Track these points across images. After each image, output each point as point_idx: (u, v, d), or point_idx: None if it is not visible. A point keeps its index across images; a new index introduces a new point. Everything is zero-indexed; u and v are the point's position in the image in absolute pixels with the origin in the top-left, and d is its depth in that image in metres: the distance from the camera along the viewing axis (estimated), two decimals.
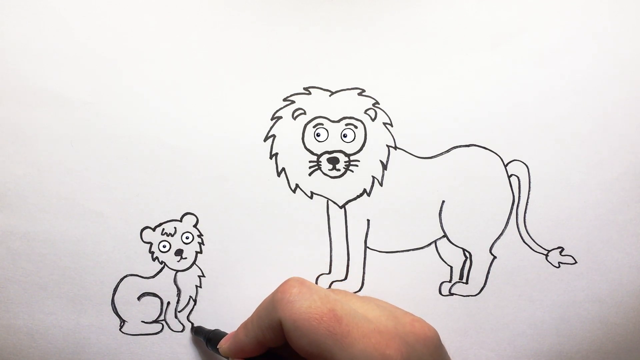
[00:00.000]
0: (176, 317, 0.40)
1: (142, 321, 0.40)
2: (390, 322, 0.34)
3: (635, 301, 0.42)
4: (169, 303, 0.40)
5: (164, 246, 0.41)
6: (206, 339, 0.38)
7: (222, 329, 0.39)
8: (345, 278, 0.41)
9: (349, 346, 0.31)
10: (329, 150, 0.42)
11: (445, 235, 0.42)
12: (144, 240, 0.40)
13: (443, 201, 0.42)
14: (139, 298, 0.40)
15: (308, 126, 0.42)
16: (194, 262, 0.41)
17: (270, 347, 0.35)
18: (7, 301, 0.39)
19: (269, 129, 0.42)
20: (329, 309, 0.32)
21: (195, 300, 0.41)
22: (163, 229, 0.41)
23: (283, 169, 0.42)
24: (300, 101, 0.42)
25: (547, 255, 0.42)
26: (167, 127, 0.41)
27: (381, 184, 0.42)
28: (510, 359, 0.41)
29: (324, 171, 0.42)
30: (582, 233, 0.42)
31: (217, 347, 0.37)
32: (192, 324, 0.40)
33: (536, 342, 0.41)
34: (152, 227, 0.41)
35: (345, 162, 0.42)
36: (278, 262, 0.41)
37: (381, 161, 0.42)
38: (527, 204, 0.42)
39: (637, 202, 0.42)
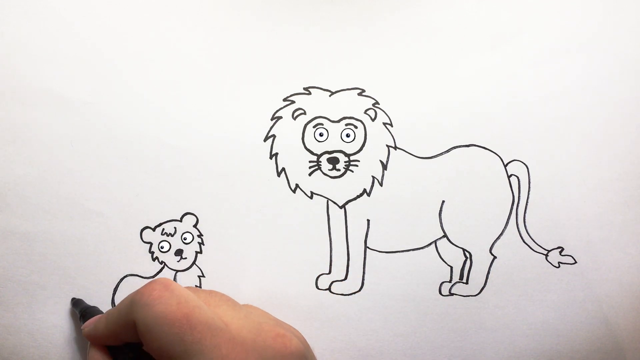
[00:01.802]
0: None
1: None
2: (251, 335, 0.33)
3: (635, 301, 0.42)
4: None
5: (164, 246, 0.41)
6: (81, 314, 0.38)
7: None
8: (345, 278, 0.41)
9: (198, 353, 0.30)
10: (329, 150, 0.42)
11: (445, 235, 0.42)
12: (144, 240, 0.40)
13: (443, 201, 0.42)
14: None
15: (308, 126, 0.42)
16: (194, 262, 0.41)
17: (128, 342, 0.34)
18: (7, 301, 0.39)
19: (269, 129, 0.42)
20: (183, 314, 0.31)
21: None
22: (163, 229, 0.41)
23: (283, 169, 0.42)
24: (300, 101, 0.42)
25: (547, 255, 0.42)
26: (167, 127, 0.41)
27: (381, 184, 0.42)
28: (510, 359, 0.41)
29: (324, 171, 0.42)
30: (582, 233, 0.42)
31: (82, 327, 0.36)
32: (74, 297, 0.40)
33: (536, 342, 0.41)
34: (152, 227, 0.41)
35: (345, 162, 0.42)
36: (278, 262, 0.41)
37: (381, 161, 0.42)
38: (527, 204, 0.42)
39: (637, 202, 0.42)
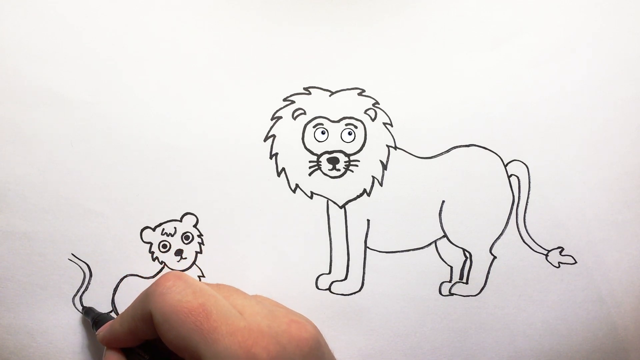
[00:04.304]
0: None
1: None
2: (266, 321, 0.33)
3: (635, 301, 0.42)
4: None
5: (164, 246, 0.41)
6: (93, 322, 0.38)
7: None
8: (346, 278, 0.41)
9: (214, 342, 0.30)
10: (329, 150, 0.42)
11: (445, 235, 0.42)
12: (144, 240, 0.40)
13: (443, 201, 0.42)
14: None
15: (308, 126, 0.42)
16: (194, 262, 0.41)
17: (144, 338, 0.35)
18: (7, 301, 0.39)
19: (269, 129, 0.42)
20: (199, 304, 0.32)
21: None
22: (163, 229, 0.41)
23: (283, 169, 0.42)
24: (300, 101, 0.42)
25: (547, 255, 0.42)
26: (167, 127, 0.41)
27: (381, 184, 0.42)
28: (510, 359, 0.41)
29: (324, 171, 0.42)
30: (582, 233, 0.42)
31: (96, 333, 0.37)
32: (83, 305, 0.40)
33: (536, 342, 0.41)
34: (152, 227, 0.41)
35: (345, 162, 0.42)
36: (278, 262, 0.41)
37: (381, 161, 0.42)
38: (527, 204, 0.42)
39: (637, 202, 0.42)
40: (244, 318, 0.32)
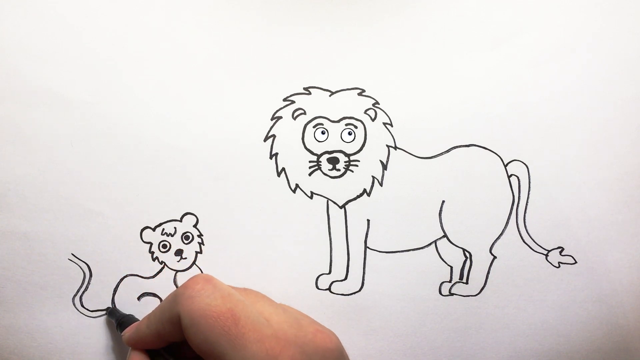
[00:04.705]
0: None
1: None
2: (292, 329, 0.33)
3: (635, 301, 0.42)
4: None
5: (164, 246, 0.41)
6: (117, 323, 0.38)
7: None
8: (346, 278, 0.41)
9: (242, 348, 0.30)
10: (329, 150, 0.42)
11: (445, 235, 0.42)
12: (144, 240, 0.40)
13: (443, 201, 0.42)
14: (139, 298, 0.40)
15: (308, 126, 0.42)
16: (194, 262, 0.41)
17: (170, 341, 0.34)
18: (7, 301, 0.39)
19: (269, 129, 0.42)
20: (228, 308, 0.32)
21: None
22: (163, 229, 0.41)
23: (283, 169, 0.42)
24: (300, 101, 0.42)
25: (547, 255, 0.42)
26: (167, 127, 0.41)
27: (381, 184, 0.42)
28: (510, 359, 0.41)
29: (324, 171, 0.42)
30: (582, 233, 0.42)
31: (122, 334, 0.37)
32: (110, 307, 0.40)
33: (536, 342, 0.41)
34: (152, 227, 0.41)
35: (345, 162, 0.42)
36: (278, 262, 0.41)
37: (381, 161, 0.42)
38: (527, 204, 0.42)
39: (637, 202, 0.42)
40: (271, 325, 0.33)
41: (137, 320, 0.38)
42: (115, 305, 0.40)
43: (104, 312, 0.40)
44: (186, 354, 0.35)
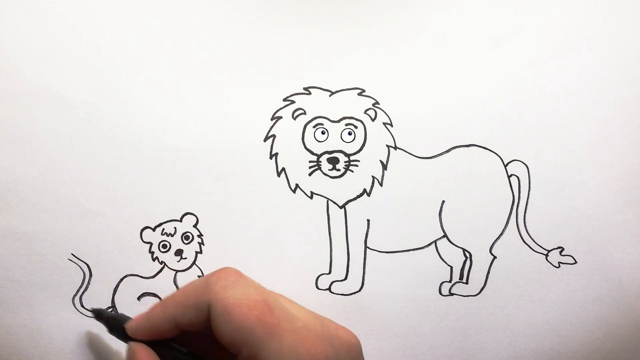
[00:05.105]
0: None
1: None
2: (318, 324, 0.34)
3: (635, 301, 0.42)
4: None
5: (164, 246, 0.41)
6: (109, 325, 0.36)
7: None
8: (346, 278, 0.41)
9: (279, 337, 0.31)
10: (329, 150, 0.42)
11: (445, 235, 0.42)
12: (144, 240, 0.40)
13: (443, 201, 0.42)
14: (139, 298, 0.40)
15: (308, 126, 0.42)
16: (194, 262, 0.41)
17: (185, 329, 0.33)
18: (7, 301, 0.39)
19: (269, 129, 0.42)
20: (263, 299, 0.32)
21: None
22: (163, 229, 0.41)
23: (283, 169, 0.42)
24: (300, 101, 0.42)
25: (547, 255, 0.42)
26: (167, 127, 0.41)
27: (381, 184, 0.42)
28: (510, 359, 0.41)
29: (324, 171, 0.42)
30: (582, 233, 0.42)
31: (125, 325, 0.34)
32: (93, 309, 0.37)
33: (536, 342, 0.41)
34: (152, 227, 0.41)
35: (345, 162, 0.42)
36: (278, 262, 0.41)
37: (381, 161, 0.42)
38: (527, 204, 0.42)
39: (637, 202, 0.42)
40: (300, 319, 0.33)
41: (128, 318, 0.36)
42: (115, 305, 0.40)
43: (92, 316, 0.37)
44: (193, 346, 0.35)
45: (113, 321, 0.36)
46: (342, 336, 0.34)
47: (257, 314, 0.31)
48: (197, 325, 0.33)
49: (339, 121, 0.42)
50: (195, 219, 0.41)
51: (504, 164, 0.42)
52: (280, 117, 0.42)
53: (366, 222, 0.42)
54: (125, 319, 0.36)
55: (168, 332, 0.34)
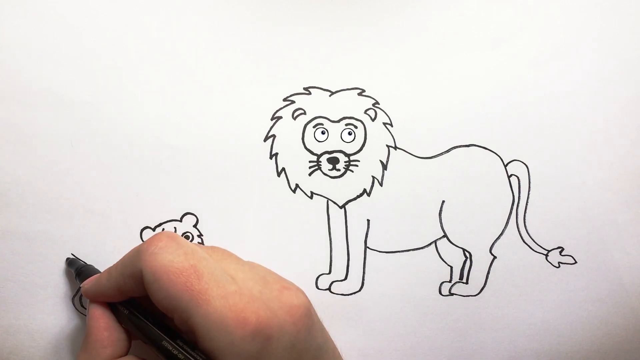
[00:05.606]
0: None
1: None
2: (258, 286, 0.33)
3: (635, 301, 0.42)
4: None
5: None
6: (76, 272, 0.38)
7: None
8: (345, 278, 0.41)
9: (205, 303, 0.30)
10: (329, 150, 0.42)
11: (445, 235, 0.42)
12: (144, 240, 0.40)
13: (443, 201, 0.42)
14: None
15: (308, 126, 0.42)
16: None
17: (130, 295, 0.34)
18: (7, 301, 0.39)
19: (269, 129, 0.42)
20: (190, 265, 0.31)
21: None
22: (163, 229, 0.41)
23: (283, 169, 0.42)
24: (300, 101, 0.42)
25: (547, 255, 0.42)
26: (167, 127, 0.41)
27: (381, 184, 0.42)
28: (510, 359, 0.41)
29: (324, 171, 0.42)
30: (582, 233, 0.42)
31: (81, 285, 0.36)
32: (69, 257, 0.39)
33: (536, 342, 0.41)
34: (152, 227, 0.41)
35: (345, 162, 0.42)
36: (278, 262, 0.41)
37: (381, 161, 0.42)
38: (527, 204, 0.42)
39: (637, 202, 0.42)
40: (236, 282, 0.32)
41: (97, 271, 0.37)
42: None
43: (65, 264, 0.39)
44: (145, 308, 0.35)
45: (81, 271, 0.38)
46: (283, 298, 0.33)
47: (184, 280, 0.31)
48: (139, 292, 0.33)
49: (339, 121, 0.42)
50: (195, 219, 0.41)
51: (504, 164, 0.42)
52: (280, 117, 0.42)
53: (366, 222, 0.42)
54: (93, 272, 0.37)
55: (116, 297, 0.35)
